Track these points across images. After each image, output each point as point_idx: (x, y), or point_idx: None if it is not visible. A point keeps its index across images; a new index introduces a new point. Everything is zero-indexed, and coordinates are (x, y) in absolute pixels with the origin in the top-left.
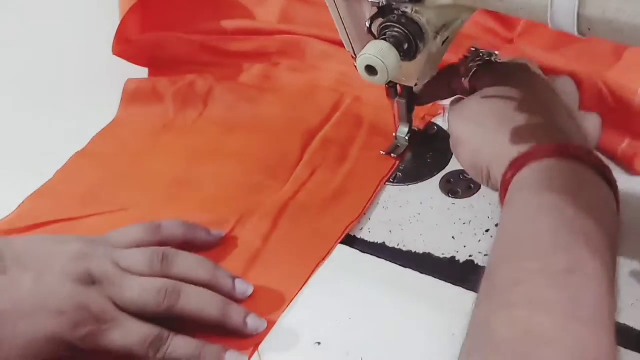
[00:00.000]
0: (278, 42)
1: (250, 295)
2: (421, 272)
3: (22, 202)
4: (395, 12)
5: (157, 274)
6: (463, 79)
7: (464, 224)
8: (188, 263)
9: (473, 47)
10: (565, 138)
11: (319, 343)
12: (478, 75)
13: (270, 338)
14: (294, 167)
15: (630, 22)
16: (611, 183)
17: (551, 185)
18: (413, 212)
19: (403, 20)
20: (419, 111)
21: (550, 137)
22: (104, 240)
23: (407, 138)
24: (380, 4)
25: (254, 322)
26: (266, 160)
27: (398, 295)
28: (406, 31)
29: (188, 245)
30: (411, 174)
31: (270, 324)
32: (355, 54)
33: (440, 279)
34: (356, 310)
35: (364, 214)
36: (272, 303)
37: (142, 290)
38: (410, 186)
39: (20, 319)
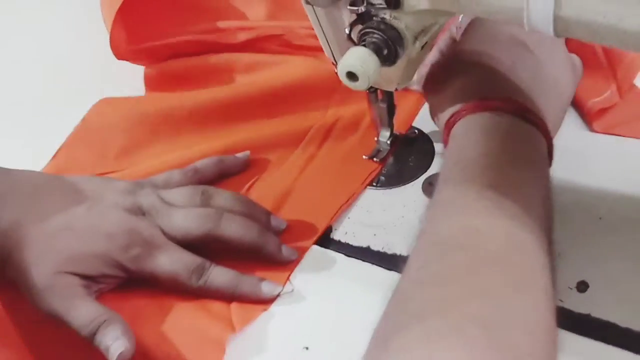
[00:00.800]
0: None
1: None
2: None
3: (56, 153)
4: (374, 18)
5: (198, 206)
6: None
7: None
8: (226, 197)
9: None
10: (498, 93)
11: (307, 348)
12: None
13: (257, 343)
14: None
15: (606, 23)
16: (538, 126)
17: (472, 131)
18: (397, 215)
19: (382, 26)
20: (399, 115)
21: (478, 95)
22: (146, 182)
23: (389, 142)
24: (359, 11)
25: (287, 250)
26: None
27: (384, 298)
28: (385, 37)
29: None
30: (394, 178)
31: (302, 251)
32: (335, 61)
33: None
34: (343, 314)
35: (340, 214)
36: (302, 235)
37: (186, 216)
38: (393, 189)
39: (72, 237)
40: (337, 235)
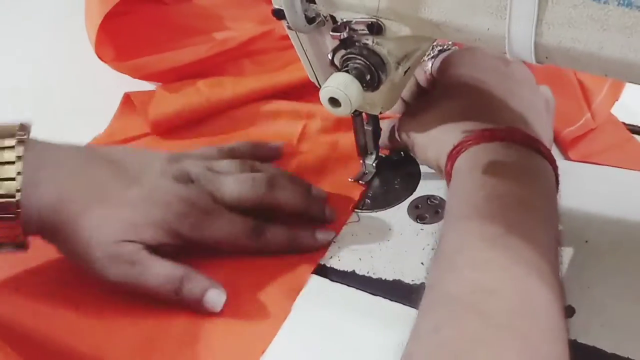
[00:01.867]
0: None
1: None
2: (391, 300)
3: (110, 123)
4: (357, 43)
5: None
6: (427, 73)
7: (433, 249)
8: (270, 168)
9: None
10: (498, 122)
11: None
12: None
13: None
14: None
15: (586, 50)
16: (545, 155)
17: (479, 165)
18: (382, 239)
19: (365, 52)
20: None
21: (480, 124)
22: (185, 154)
23: (374, 165)
24: (342, 36)
25: (330, 213)
26: None
27: (369, 323)
28: (368, 62)
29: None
30: (379, 201)
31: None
32: (319, 85)
33: (410, 306)
34: (328, 339)
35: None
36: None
37: (238, 181)
38: (378, 213)
39: (127, 207)
40: (322, 259)
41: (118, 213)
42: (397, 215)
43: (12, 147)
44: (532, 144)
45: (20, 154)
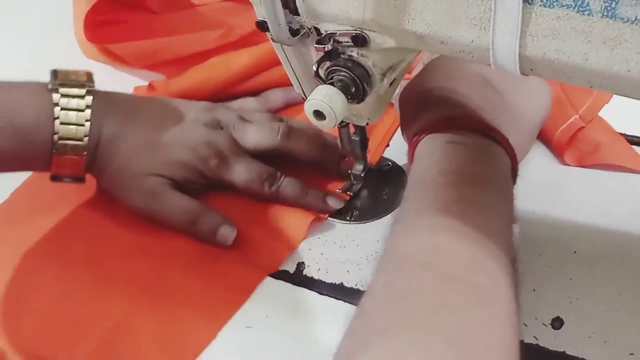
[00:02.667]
0: None
1: None
2: None
3: None
4: (342, 55)
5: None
6: None
7: None
8: (299, 121)
9: None
10: (456, 111)
11: None
12: None
13: None
14: None
15: (570, 62)
16: (503, 145)
17: (436, 149)
18: (370, 251)
19: (349, 64)
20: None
21: (443, 112)
22: (223, 104)
23: (362, 175)
24: (326, 48)
25: (343, 168)
26: None
27: None
28: (353, 74)
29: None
30: (368, 212)
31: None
32: (305, 96)
33: None
34: (315, 354)
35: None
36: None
37: (259, 129)
38: (367, 224)
39: (160, 148)
40: (310, 272)
41: (151, 153)
42: (386, 226)
43: (82, 96)
44: (489, 133)
45: (90, 103)
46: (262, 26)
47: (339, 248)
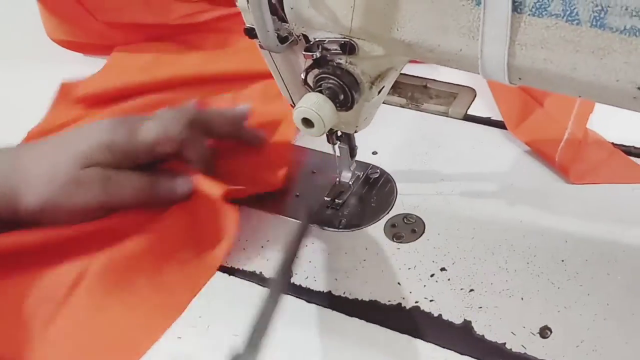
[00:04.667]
0: None
1: None
2: (367, 321)
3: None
4: (330, 63)
5: None
6: None
7: (409, 269)
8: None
9: None
10: None
11: None
12: None
13: None
14: None
15: (559, 72)
16: None
17: None
18: (358, 259)
19: (338, 72)
20: None
21: None
22: None
23: (350, 183)
24: (315, 56)
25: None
26: None
27: (345, 345)
28: (341, 82)
29: None
30: (355, 219)
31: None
32: (293, 104)
33: (387, 327)
34: None
35: None
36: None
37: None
38: (354, 232)
39: (71, 144)
40: (298, 279)
41: (67, 149)
42: (374, 234)
43: None
44: None
45: None
46: (250, 33)
47: (327, 256)
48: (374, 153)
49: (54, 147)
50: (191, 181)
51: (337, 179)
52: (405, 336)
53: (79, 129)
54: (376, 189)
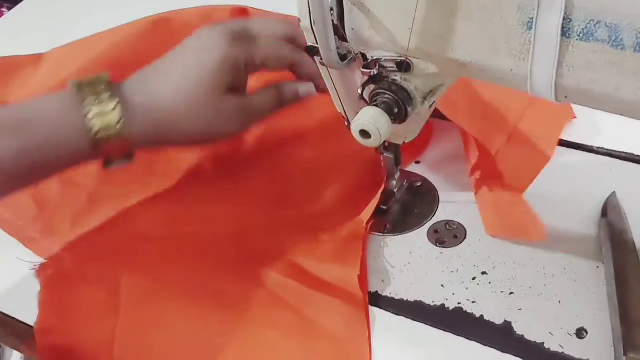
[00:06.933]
0: None
1: None
2: (413, 320)
3: None
4: (386, 79)
5: None
6: None
7: (452, 272)
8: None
9: None
10: None
11: None
12: None
13: None
14: None
15: (603, 91)
16: None
17: None
18: (403, 262)
19: (393, 88)
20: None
21: None
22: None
23: (395, 191)
24: (372, 73)
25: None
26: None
27: (392, 341)
28: (396, 97)
29: None
30: (400, 225)
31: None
32: (347, 117)
33: (431, 326)
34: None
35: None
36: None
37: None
38: (399, 236)
39: (190, 70)
40: None
41: (185, 78)
42: (417, 239)
43: (103, 89)
44: None
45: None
46: (312, 51)
47: (373, 259)
48: (417, 162)
49: (184, 68)
50: (312, 85)
51: (383, 187)
52: (448, 334)
53: (196, 39)
54: (420, 196)
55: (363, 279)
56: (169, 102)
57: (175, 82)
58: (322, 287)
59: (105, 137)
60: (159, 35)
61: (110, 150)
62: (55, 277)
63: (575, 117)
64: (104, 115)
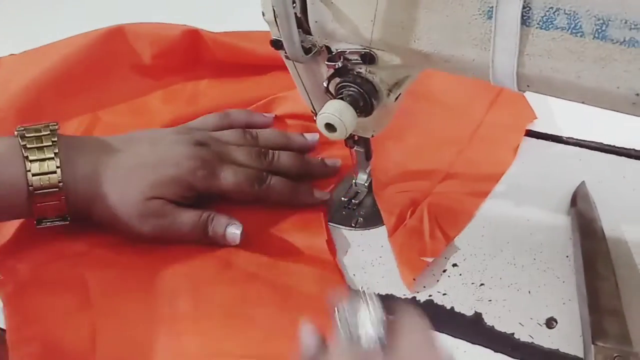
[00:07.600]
0: None
1: None
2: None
3: None
4: (351, 72)
5: (250, 143)
6: None
7: None
8: (269, 136)
9: None
10: None
11: None
12: None
13: None
14: None
15: (564, 79)
16: None
17: None
18: (375, 255)
19: (358, 80)
20: None
21: None
22: (187, 125)
23: (366, 185)
24: (337, 66)
25: (319, 193)
26: None
27: None
28: (361, 90)
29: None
30: (371, 219)
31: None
32: (314, 111)
33: None
34: None
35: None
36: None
37: (234, 173)
38: (371, 230)
39: (147, 170)
40: None
41: (139, 176)
42: None
43: (50, 145)
44: None
45: (57, 151)
46: (277, 44)
47: (344, 253)
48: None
49: (129, 169)
50: (240, 228)
51: (354, 181)
52: None
53: (160, 146)
54: None
55: (330, 243)
56: (107, 196)
57: (120, 186)
58: (293, 257)
59: (42, 194)
60: (110, 48)
61: (46, 207)
62: (17, 290)
63: (536, 118)
64: (44, 172)
